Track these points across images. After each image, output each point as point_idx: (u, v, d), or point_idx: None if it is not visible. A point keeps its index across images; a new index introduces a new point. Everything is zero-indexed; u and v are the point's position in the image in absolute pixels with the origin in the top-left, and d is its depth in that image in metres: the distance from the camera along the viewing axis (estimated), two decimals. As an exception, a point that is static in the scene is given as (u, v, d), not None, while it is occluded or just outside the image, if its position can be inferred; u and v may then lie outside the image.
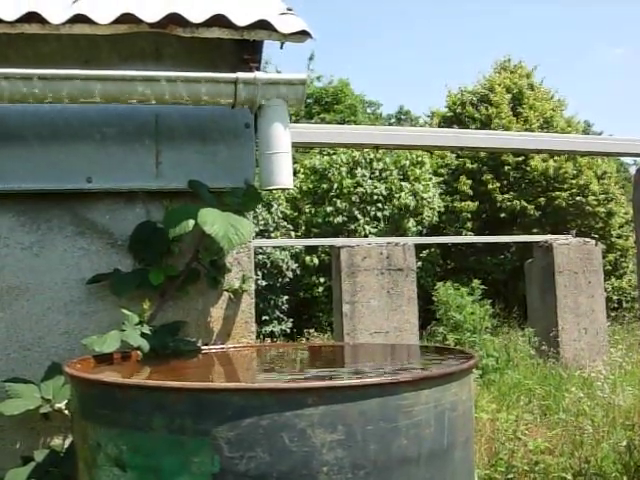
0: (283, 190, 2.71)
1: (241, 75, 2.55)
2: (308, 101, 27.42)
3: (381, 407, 1.68)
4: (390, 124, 32.53)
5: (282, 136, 2.58)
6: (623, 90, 70.56)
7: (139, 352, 2.50)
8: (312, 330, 17.23)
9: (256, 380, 2.25)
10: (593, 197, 20.88)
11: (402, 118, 34.48)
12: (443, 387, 1.81)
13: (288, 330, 17.56)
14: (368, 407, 1.67)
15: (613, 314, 17.00)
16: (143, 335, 2.51)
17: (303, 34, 2.63)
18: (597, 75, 69.21)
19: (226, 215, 2.53)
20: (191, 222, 2.50)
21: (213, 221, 2.47)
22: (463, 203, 20.63)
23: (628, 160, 28.57)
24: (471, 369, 2.01)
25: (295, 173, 20.14)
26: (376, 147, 4.49)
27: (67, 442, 2.64)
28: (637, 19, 65.82)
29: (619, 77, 68.92)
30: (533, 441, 5.56)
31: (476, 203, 20.66)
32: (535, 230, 19.58)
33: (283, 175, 2.57)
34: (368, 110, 32.80)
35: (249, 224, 2.59)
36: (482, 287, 11.84)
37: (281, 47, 2.78)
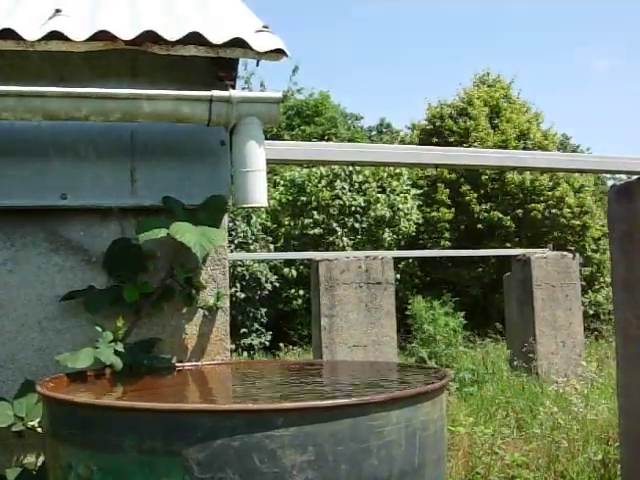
0: (258, 208, 2.72)
1: (216, 93, 2.56)
2: (289, 113, 27.49)
3: (352, 428, 1.69)
4: (371, 137, 32.64)
5: (257, 154, 2.59)
6: (607, 103, 70.80)
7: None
8: (290, 343, 17.20)
9: (229, 399, 2.25)
10: (568, 210, 20.99)
11: (383, 131, 34.60)
12: (414, 407, 1.82)
13: (267, 343, 17.52)
14: (339, 428, 1.67)
15: (590, 328, 17.10)
16: (117, 352, 2.51)
17: (278, 52, 2.64)
18: (581, 87, 69.43)
19: (198, 228, 2.57)
20: (163, 230, 2.53)
21: (184, 231, 2.50)
22: (440, 211, 20.70)
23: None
24: (443, 388, 2.02)
25: (275, 185, 20.22)
26: (352, 164, 4.52)
27: (40, 460, 2.63)
28: (625, 29, 65.83)
29: (604, 90, 69.08)
30: (510, 455, 5.58)
31: (453, 210, 20.74)
32: (511, 244, 19.66)
33: (258, 193, 2.58)
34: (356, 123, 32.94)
35: (220, 232, 2.63)
36: (454, 299, 11.88)
37: (257, 65, 2.81)
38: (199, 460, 1.63)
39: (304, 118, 28.27)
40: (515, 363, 10.42)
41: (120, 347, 2.54)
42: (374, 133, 34.39)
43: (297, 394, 2.30)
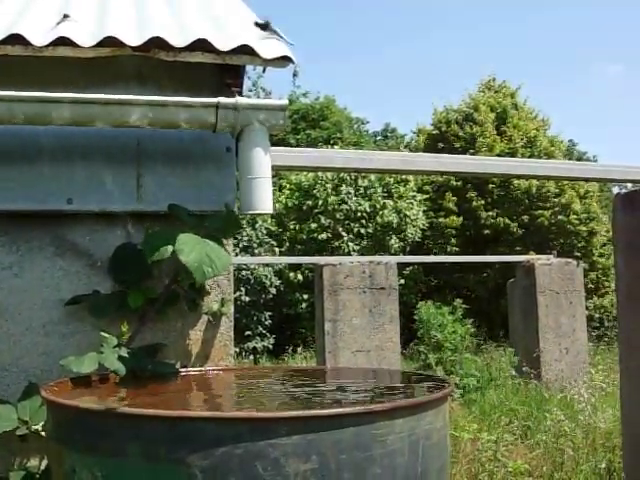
0: (263, 215, 2.71)
1: (222, 100, 2.56)
2: (294, 117, 27.51)
3: (355, 436, 1.69)
4: (376, 142, 32.66)
5: (263, 161, 2.59)
6: (619, 109, 70.26)
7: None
8: (295, 347, 17.20)
9: (233, 406, 2.25)
10: (575, 216, 21.02)
11: (388, 136, 34.61)
12: (418, 416, 1.81)
13: (271, 346, 17.53)
14: (342, 436, 1.67)
15: (595, 333, 17.07)
16: (121, 358, 2.51)
17: (285, 59, 2.65)
18: (592, 92, 68.92)
19: (204, 243, 2.54)
20: (170, 248, 2.51)
21: (190, 250, 2.48)
22: (447, 218, 20.73)
23: (611, 180, 28.66)
24: (446, 397, 2.02)
25: (280, 189, 20.22)
26: (356, 171, 4.53)
27: (43, 463, 2.63)
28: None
29: (616, 95, 68.49)
30: (513, 462, 5.57)
31: (460, 218, 20.78)
32: (518, 248, 19.68)
33: (263, 200, 2.57)
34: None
35: (225, 256, 2.59)
36: (464, 306, 11.86)
37: (263, 71, 2.81)
38: (203, 467, 1.63)
39: (309, 122, 28.29)
40: (519, 369, 10.40)
41: (124, 352, 2.54)
42: (379, 138, 34.40)
43: (301, 402, 2.30)
